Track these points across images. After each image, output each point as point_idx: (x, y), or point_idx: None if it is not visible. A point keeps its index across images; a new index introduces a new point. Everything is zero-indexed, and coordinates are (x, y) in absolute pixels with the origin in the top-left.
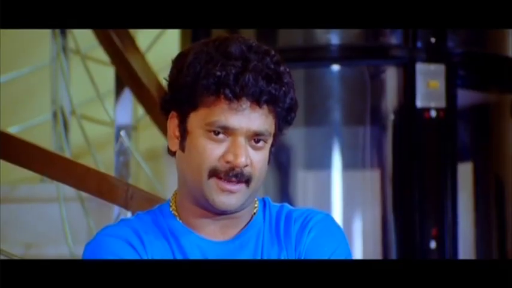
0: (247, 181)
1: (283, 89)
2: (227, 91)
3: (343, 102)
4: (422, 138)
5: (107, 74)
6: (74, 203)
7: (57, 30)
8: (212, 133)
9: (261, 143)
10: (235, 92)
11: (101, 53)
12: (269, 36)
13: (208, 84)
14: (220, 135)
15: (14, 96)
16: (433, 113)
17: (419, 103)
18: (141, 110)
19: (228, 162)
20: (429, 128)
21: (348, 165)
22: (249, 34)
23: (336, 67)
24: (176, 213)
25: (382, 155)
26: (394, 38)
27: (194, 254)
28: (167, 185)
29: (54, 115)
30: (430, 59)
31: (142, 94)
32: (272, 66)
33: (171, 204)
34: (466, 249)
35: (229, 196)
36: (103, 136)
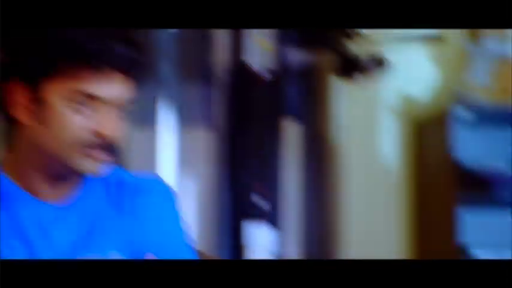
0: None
1: (141, 52)
2: (93, 60)
3: (174, 60)
4: (252, 97)
5: None
6: None
7: None
8: (75, 103)
9: (122, 111)
10: (101, 60)
11: None
12: None
13: (72, 54)
14: (84, 104)
15: None
16: (262, 73)
17: (249, 62)
18: None
19: (95, 132)
20: (259, 88)
21: (180, 123)
22: None
23: None
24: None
25: (213, 113)
26: None
27: (26, 210)
28: None
29: None
30: None
31: None
32: (128, 29)
33: None
34: (292, 205)
35: (97, 164)
36: None
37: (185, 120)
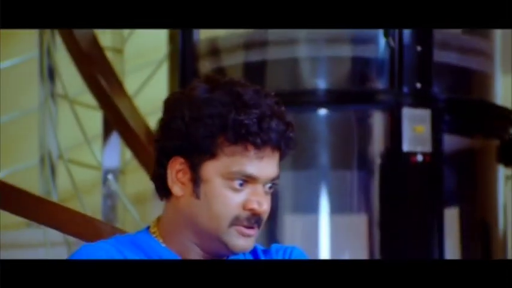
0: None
1: (293, 130)
2: (257, 139)
3: (330, 146)
4: (409, 182)
5: (95, 118)
6: (60, 247)
7: (46, 75)
8: (233, 181)
9: (271, 188)
10: (263, 139)
11: (89, 98)
12: (256, 81)
13: (235, 134)
14: (241, 183)
15: (1, 141)
16: (419, 158)
17: (406, 147)
18: (128, 154)
19: (251, 210)
20: (415, 173)
21: (335, 209)
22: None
23: (323, 111)
24: (161, 241)
25: (369, 199)
26: (380, 83)
27: None
28: None
29: (42, 160)
30: (416, 104)
31: (130, 138)
32: (281, 108)
33: (151, 233)
34: None
35: (248, 240)
36: (90, 180)
37: (341, 205)
